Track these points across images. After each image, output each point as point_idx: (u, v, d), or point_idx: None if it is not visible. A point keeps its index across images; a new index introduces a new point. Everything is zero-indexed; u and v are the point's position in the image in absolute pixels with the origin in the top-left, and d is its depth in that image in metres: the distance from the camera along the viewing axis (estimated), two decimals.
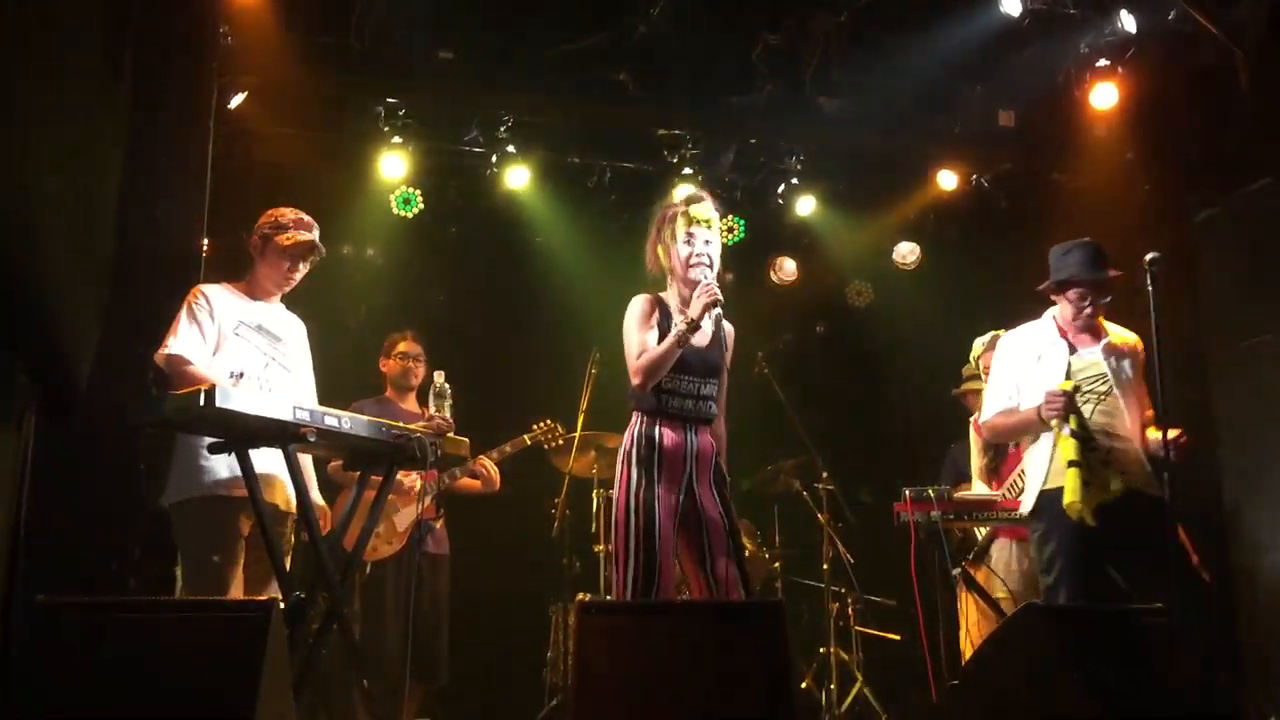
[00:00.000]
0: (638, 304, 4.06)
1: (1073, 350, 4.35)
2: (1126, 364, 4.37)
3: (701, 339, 3.97)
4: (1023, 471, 5.01)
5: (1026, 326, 4.53)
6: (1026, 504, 4.34)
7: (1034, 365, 4.40)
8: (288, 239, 4.10)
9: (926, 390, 7.28)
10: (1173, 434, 3.97)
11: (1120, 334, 4.45)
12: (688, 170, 6.79)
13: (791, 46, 6.21)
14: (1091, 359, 4.34)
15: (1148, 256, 3.98)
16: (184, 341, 3.88)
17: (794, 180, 7.11)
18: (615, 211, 7.43)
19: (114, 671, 2.54)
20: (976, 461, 5.45)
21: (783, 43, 6.18)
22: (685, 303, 4.01)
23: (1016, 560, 5.21)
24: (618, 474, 3.96)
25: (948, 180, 7.09)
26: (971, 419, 5.58)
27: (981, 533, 5.20)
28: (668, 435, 3.93)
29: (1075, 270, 4.36)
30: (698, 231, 4.01)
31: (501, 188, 6.85)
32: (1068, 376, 4.28)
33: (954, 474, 5.85)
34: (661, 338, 3.95)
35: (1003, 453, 5.32)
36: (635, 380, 3.94)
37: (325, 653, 3.95)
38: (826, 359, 8.33)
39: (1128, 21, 5.85)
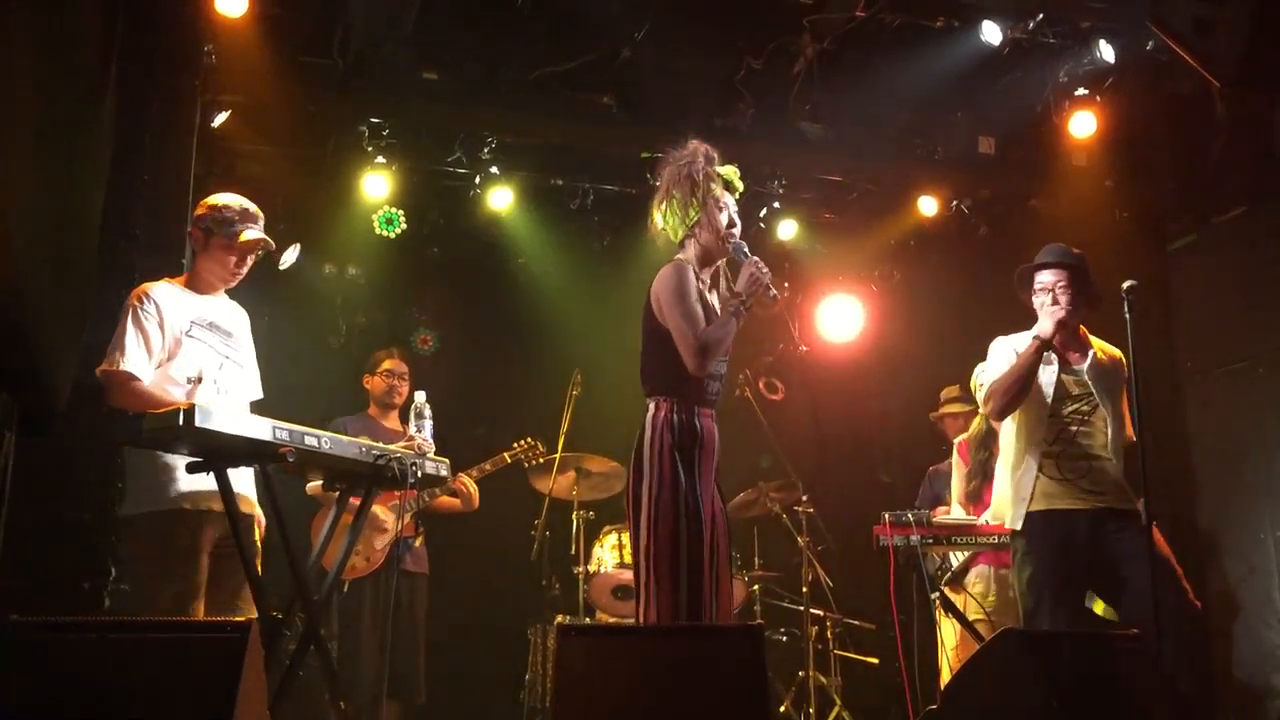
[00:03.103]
0: (678, 275, 3.58)
1: (1065, 368, 4.29)
2: (1111, 381, 4.31)
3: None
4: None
5: (1021, 334, 4.44)
6: (1013, 520, 4.28)
7: None
8: (237, 236, 3.88)
9: (905, 413, 7.31)
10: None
11: (1106, 349, 4.41)
12: None
13: (774, 71, 6.24)
14: (1080, 378, 4.28)
15: (1125, 284, 4.00)
16: (130, 358, 3.68)
17: (776, 204, 7.13)
18: (597, 233, 7.46)
19: (88, 692, 2.52)
20: (959, 486, 5.42)
21: (765, 67, 6.20)
22: (706, 264, 3.73)
23: (995, 587, 5.21)
24: (651, 470, 3.48)
25: (928, 206, 7.13)
26: (957, 441, 5.58)
27: (958, 557, 5.20)
28: (707, 425, 3.57)
29: (1039, 257, 4.40)
30: (728, 198, 3.76)
31: (484, 209, 6.84)
32: (1060, 395, 4.23)
33: (931, 497, 5.87)
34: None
35: (988, 478, 5.30)
36: (692, 361, 3.45)
37: (302, 673, 3.93)
38: (807, 381, 8.34)
39: (1106, 51, 5.91)
